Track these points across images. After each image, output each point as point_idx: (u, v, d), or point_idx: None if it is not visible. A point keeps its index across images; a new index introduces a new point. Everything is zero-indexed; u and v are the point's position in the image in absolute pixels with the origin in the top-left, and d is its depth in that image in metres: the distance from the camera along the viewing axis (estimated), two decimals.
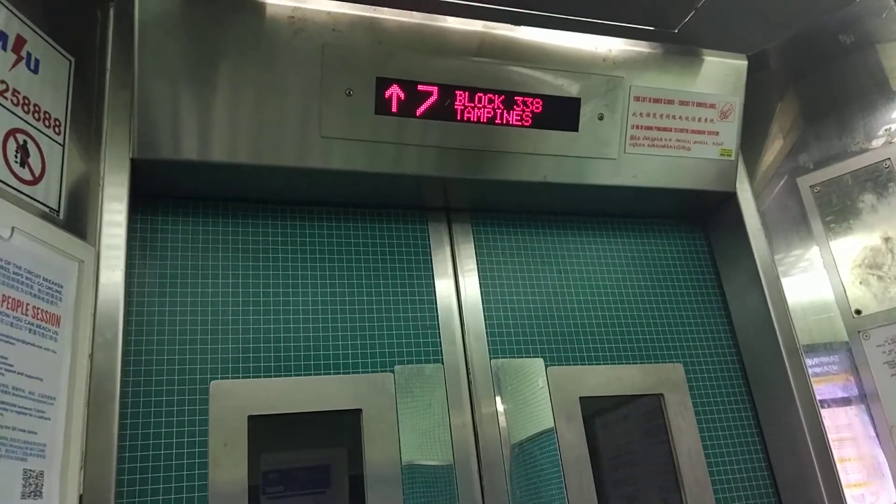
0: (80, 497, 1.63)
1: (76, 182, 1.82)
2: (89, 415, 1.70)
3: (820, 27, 2.50)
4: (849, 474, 2.29)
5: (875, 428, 2.29)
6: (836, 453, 2.31)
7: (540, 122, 2.27)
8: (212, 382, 2.01)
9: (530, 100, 2.25)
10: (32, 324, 1.57)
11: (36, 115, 1.71)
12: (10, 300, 1.52)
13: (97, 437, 1.70)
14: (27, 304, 1.57)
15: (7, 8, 1.66)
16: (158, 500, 1.87)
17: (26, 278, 1.58)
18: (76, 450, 1.63)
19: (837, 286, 2.41)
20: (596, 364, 2.43)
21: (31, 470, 1.51)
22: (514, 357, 2.34)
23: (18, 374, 1.52)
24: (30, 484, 1.50)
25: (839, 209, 2.44)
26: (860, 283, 2.37)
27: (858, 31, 2.47)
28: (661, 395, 2.44)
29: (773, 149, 2.63)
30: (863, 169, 2.42)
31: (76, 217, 1.79)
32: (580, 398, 2.33)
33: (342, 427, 2.13)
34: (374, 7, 2.07)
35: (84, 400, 1.69)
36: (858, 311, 2.35)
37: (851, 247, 2.40)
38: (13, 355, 1.51)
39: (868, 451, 2.30)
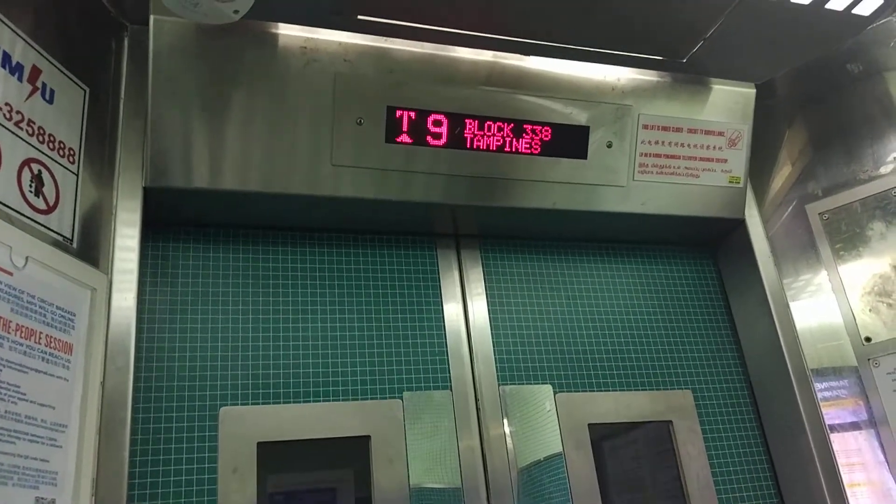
0: None
1: (89, 210, 1.83)
2: (100, 442, 1.70)
3: (828, 56, 2.52)
4: (858, 500, 2.29)
5: (885, 453, 2.28)
6: (846, 478, 2.31)
7: (549, 149, 2.28)
8: (221, 409, 2.02)
9: (539, 128, 2.26)
10: (45, 352, 1.59)
11: (51, 144, 1.72)
12: (23, 329, 1.54)
13: (108, 464, 1.70)
14: (40, 333, 1.58)
15: (23, 39, 1.68)
16: None
17: (40, 307, 1.59)
18: (87, 477, 1.64)
19: (847, 313, 2.41)
20: (605, 391, 2.43)
21: (43, 498, 1.51)
22: (522, 384, 2.34)
23: (31, 402, 1.52)
24: None
25: (848, 236, 2.44)
26: (870, 310, 2.36)
27: (866, 60, 2.49)
28: (671, 421, 2.43)
29: (782, 176, 2.64)
30: (872, 197, 2.42)
31: (89, 245, 1.80)
32: (589, 425, 2.33)
33: (350, 453, 2.13)
34: (385, 37, 2.09)
35: (95, 427, 1.70)
36: (868, 339, 2.35)
37: (861, 274, 2.40)
38: (26, 384, 1.52)
39: (878, 476, 2.29)
